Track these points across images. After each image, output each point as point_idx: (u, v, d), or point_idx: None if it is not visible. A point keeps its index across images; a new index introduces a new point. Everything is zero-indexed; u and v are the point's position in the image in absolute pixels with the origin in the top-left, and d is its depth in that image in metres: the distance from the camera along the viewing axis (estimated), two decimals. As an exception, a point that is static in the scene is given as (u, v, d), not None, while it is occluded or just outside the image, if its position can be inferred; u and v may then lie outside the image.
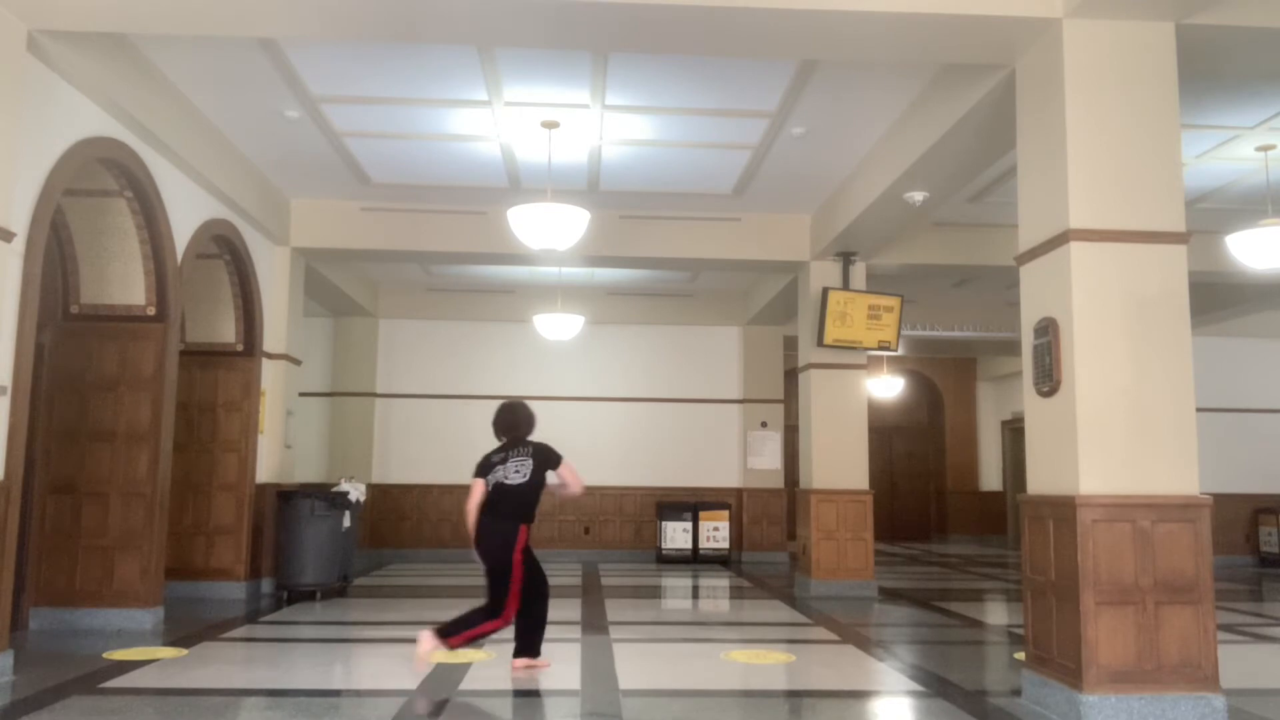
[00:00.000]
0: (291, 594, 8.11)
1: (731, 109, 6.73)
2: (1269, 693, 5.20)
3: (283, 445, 9.00)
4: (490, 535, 5.17)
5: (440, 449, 12.41)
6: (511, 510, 5.21)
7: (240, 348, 8.39)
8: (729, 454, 12.90)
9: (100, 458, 6.66)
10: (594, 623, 7.11)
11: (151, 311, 6.77)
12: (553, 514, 12.43)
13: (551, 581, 5.45)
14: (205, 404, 8.30)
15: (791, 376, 12.07)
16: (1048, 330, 4.60)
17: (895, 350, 9.36)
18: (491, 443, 5.45)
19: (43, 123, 5.26)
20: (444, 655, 5.31)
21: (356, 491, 8.65)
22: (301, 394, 10.62)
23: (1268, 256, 6.77)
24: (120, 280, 6.73)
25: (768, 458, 12.89)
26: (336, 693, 5.06)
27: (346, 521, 8.43)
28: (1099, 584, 4.23)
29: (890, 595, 9.04)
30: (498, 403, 5.61)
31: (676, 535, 12.16)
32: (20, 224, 5.07)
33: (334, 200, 9.00)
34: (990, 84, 5.33)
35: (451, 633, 5.07)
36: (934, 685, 5.15)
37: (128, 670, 5.19)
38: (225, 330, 8.36)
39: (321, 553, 8.14)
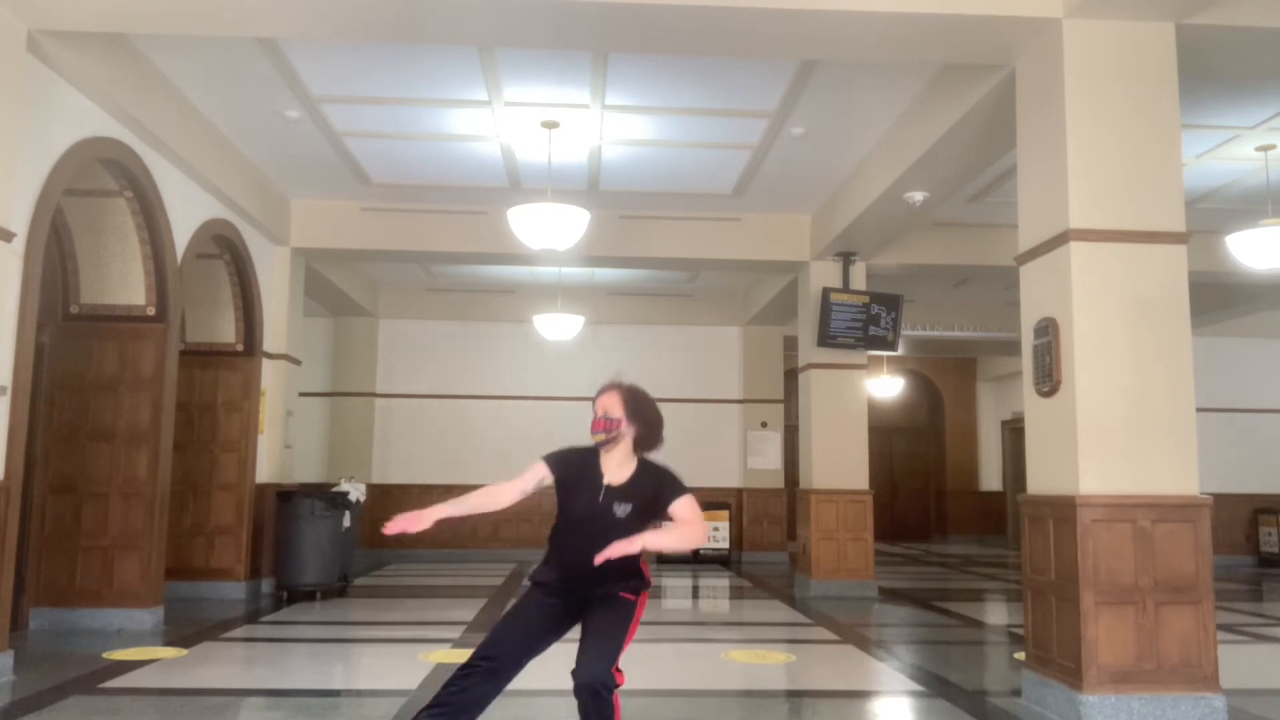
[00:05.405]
0: (291, 594, 8.11)
1: (731, 109, 6.73)
2: (1269, 693, 5.21)
3: (283, 445, 9.00)
4: None
5: (440, 449, 12.38)
6: None
7: (240, 348, 8.38)
8: (729, 454, 12.89)
9: (100, 458, 6.66)
10: (594, 623, 7.09)
11: (151, 311, 6.77)
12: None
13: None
14: (205, 404, 8.30)
15: (791, 376, 12.05)
16: (1048, 330, 4.60)
17: (895, 350, 9.36)
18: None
19: (43, 123, 5.26)
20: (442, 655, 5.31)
21: (356, 491, 8.65)
22: (301, 394, 10.61)
23: (1268, 256, 6.77)
24: (120, 280, 6.73)
25: (768, 458, 12.88)
26: (336, 693, 5.06)
27: (346, 521, 8.43)
28: (1099, 584, 4.23)
29: (890, 595, 9.03)
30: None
31: (676, 535, 12.12)
32: (20, 224, 5.07)
33: (334, 200, 9.00)
34: (990, 84, 5.32)
35: None
36: (934, 685, 5.15)
37: (128, 670, 5.19)
38: (225, 330, 8.36)
39: (321, 553, 8.14)
